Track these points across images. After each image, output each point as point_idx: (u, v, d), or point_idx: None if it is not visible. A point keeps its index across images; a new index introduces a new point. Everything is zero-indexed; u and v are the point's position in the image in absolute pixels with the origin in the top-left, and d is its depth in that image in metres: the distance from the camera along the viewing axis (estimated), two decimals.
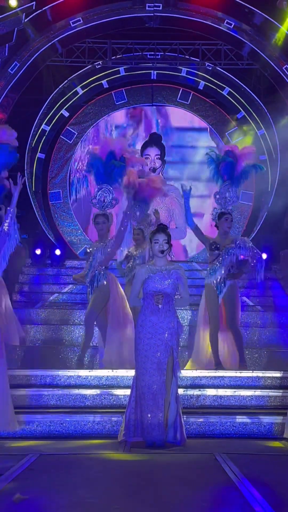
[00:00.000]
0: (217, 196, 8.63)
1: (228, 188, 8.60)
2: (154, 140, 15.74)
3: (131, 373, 6.63)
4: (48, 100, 15.30)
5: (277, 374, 7.71)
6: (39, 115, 15.22)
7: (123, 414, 6.20)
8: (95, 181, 8.58)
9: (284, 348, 9.56)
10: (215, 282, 8.31)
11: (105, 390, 7.21)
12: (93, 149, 8.79)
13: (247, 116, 15.49)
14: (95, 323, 8.27)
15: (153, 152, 15.66)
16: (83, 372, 7.60)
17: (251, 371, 7.72)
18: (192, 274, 12.32)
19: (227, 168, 8.62)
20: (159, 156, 15.64)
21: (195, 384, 7.47)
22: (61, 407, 7.00)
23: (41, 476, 4.83)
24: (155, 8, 13.73)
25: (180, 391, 6.46)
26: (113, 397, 7.09)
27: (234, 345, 8.32)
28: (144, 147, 15.76)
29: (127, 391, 6.44)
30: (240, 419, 6.69)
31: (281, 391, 7.35)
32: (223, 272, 8.27)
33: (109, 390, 7.20)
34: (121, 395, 7.03)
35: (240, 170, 8.61)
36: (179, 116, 16.04)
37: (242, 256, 8.29)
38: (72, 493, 4.36)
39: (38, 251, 13.20)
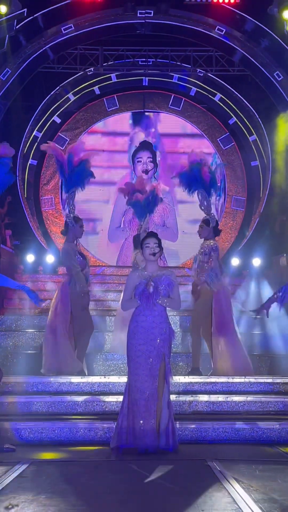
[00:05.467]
0: (202, 208, 8.69)
1: (204, 196, 8.66)
2: (145, 145, 15.78)
3: (123, 379, 6.62)
4: (40, 106, 15.31)
5: (269, 379, 7.72)
6: (30, 122, 15.23)
7: (115, 420, 6.18)
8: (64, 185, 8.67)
9: (276, 353, 9.55)
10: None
11: (97, 397, 7.19)
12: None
13: (238, 122, 15.54)
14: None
15: (145, 155, 15.69)
16: (75, 379, 7.58)
17: (243, 377, 7.71)
18: (184, 280, 12.31)
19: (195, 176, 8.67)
20: (151, 159, 15.67)
21: (188, 390, 7.46)
22: (53, 414, 6.97)
23: (32, 483, 4.81)
24: (146, 15, 13.77)
25: (173, 397, 6.45)
26: (105, 404, 7.06)
27: (229, 352, 8.25)
28: (136, 152, 15.79)
29: (119, 398, 6.42)
30: (233, 425, 6.67)
31: (273, 396, 7.34)
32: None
33: (101, 397, 7.18)
34: (113, 401, 7.00)
35: (201, 175, 8.63)
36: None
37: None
38: (63, 501, 4.34)
39: (30, 258, 13.18)
